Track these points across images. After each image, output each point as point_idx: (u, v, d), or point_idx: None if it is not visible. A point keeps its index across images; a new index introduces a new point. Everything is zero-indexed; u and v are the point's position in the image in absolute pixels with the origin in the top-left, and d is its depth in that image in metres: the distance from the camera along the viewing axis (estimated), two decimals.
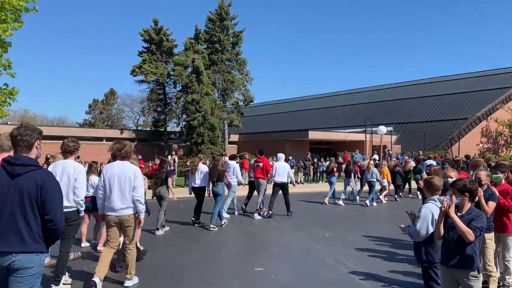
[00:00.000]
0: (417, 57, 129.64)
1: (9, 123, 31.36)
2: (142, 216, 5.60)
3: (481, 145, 36.46)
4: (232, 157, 12.14)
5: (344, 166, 17.83)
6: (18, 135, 3.16)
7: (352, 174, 14.75)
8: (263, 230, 9.87)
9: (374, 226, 10.43)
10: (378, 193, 15.25)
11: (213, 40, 32.68)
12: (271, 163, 12.98)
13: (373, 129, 33.05)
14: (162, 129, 34.30)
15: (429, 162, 15.45)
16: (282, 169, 11.83)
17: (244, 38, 33.54)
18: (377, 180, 14.69)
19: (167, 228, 9.58)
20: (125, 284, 5.57)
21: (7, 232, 3.03)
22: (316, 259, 7.12)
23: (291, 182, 12.56)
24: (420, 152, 25.93)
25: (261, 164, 11.67)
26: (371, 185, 14.37)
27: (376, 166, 15.85)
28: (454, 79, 45.18)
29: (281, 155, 12.38)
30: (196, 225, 10.14)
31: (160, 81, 33.18)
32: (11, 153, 3.57)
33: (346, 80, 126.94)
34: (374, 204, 14.32)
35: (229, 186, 11.09)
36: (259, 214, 11.45)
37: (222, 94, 33.72)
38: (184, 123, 32.38)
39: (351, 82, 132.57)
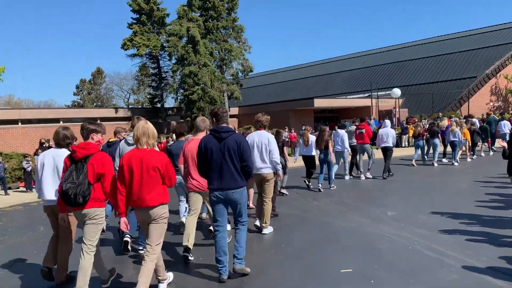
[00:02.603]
0: (420, 17, 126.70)
1: None
2: (280, 172, 6.74)
3: (491, 103, 35.15)
4: (341, 126, 12.48)
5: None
6: (219, 113, 4.85)
7: (439, 135, 15.01)
8: (308, 212, 8.32)
9: (429, 198, 8.98)
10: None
11: (207, 7, 30.50)
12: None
13: (386, 92, 31.46)
14: (159, 106, 32.37)
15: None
16: (386, 134, 12.53)
17: (240, 3, 31.37)
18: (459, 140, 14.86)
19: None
20: (262, 232, 6.74)
21: (224, 176, 4.65)
22: (406, 250, 5.62)
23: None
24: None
25: (363, 131, 12.52)
26: (454, 145, 14.69)
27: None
28: (459, 37, 43.38)
29: (388, 121, 13.34)
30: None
31: (154, 54, 31.06)
32: (204, 133, 5.58)
33: (346, 45, 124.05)
34: (456, 164, 14.55)
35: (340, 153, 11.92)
36: (365, 176, 12.53)
37: (220, 64, 31.81)
38: (182, 97, 30.49)
39: (351, 46, 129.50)
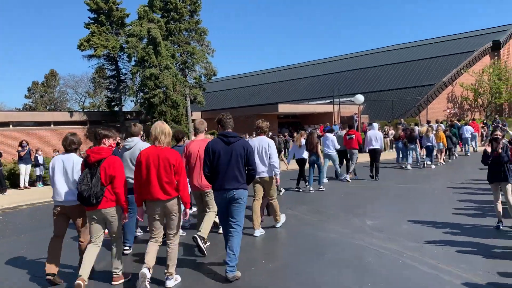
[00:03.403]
0: (380, 25, 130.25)
1: None
2: (278, 177, 7.02)
3: (448, 110, 36.24)
4: (329, 131, 13.18)
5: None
6: (223, 119, 5.17)
7: (417, 140, 15.89)
8: (286, 221, 7.77)
9: (405, 205, 8.72)
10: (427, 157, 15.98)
11: (169, 8, 29.62)
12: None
13: (347, 99, 31.69)
14: (117, 109, 31.00)
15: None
16: (374, 137, 13.25)
17: (204, 6, 30.69)
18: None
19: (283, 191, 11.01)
20: (276, 226, 7.29)
21: (229, 177, 5.01)
22: (398, 265, 5.21)
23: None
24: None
25: (353, 136, 13.02)
26: (429, 149, 15.53)
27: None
28: (417, 45, 44.67)
29: (375, 125, 14.36)
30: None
31: (112, 55, 29.70)
32: (203, 135, 6.41)
33: (309, 51, 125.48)
34: (433, 166, 15.33)
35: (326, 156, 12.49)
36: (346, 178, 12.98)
37: (182, 67, 30.92)
38: (142, 100, 29.32)
39: (314, 53, 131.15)
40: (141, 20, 28.10)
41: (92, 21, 29.63)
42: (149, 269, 4.57)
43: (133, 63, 29.18)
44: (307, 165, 11.47)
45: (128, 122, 31.99)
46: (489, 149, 6.79)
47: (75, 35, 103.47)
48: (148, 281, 4.52)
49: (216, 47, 72.29)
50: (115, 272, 4.89)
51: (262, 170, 6.82)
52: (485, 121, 28.52)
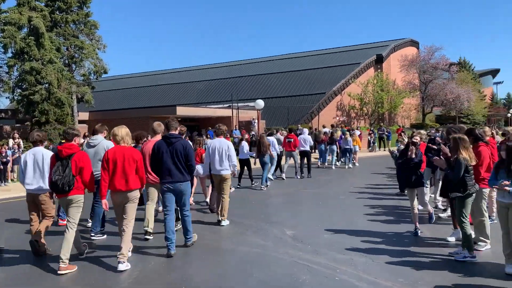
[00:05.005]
0: (275, 33, 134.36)
1: None
2: (235, 170, 7.97)
3: (337, 118, 38.44)
4: (270, 134, 14.62)
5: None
6: (169, 123, 6.16)
7: (336, 142, 17.51)
8: (201, 234, 6.98)
9: (319, 213, 8.55)
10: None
11: None
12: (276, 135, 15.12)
13: (245, 104, 31.71)
14: None
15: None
16: (304, 140, 14.66)
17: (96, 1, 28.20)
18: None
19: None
20: (221, 224, 7.70)
21: (173, 172, 5.91)
22: (335, 283, 4.78)
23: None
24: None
25: (292, 140, 14.16)
26: (347, 151, 17.40)
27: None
28: (312, 55, 46.77)
29: (305, 130, 16.15)
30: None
31: None
32: (159, 136, 6.83)
33: (207, 55, 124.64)
34: (350, 166, 17.41)
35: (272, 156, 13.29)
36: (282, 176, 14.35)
37: (69, 63, 28.02)
38: (20, 98, 25.81)
39: (211, 57, 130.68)
40: (20, 8, 24.77)
41: None
42: (124, 263, 5.34)
43: (10, 55, 25.57)
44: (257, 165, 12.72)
45: (1, 122, 28.06)
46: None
47: None
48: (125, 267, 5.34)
49: (109, 43, 67.89)
50: (62, 260, 5.24)
51: (221, 168, 7.65)
52: (371, 129, 30.68)
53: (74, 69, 28.46)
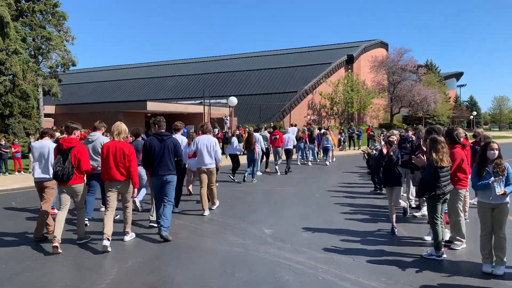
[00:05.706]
0: (249, 29, 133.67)
1: None
2: (219, 164, 9.13)
3: (308, 116, 38.78)
4: (256, 130, 15.80)
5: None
6: (157, 121, 6.86)
7: (315, 140, 18.68)
8: (178, 234, 6.86)
9: (296, 211, 8.58)
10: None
11: None
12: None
13: (217, 100, 31.45)
14: None
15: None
16: (288, 139, 15.70)
17: None
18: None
19: None
20: (212, 207, 8.83)
21: (163, 166, 6.56)
22: (318, 283, 4.78)
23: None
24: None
25: (277, 137, 15.26)
26: (327, 149, 18.23)
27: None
28: (284, 53, 46.92)
29: (290, 129, 18.17)
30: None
31: None
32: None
33: (178, 50, 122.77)
34: (328, 163, 18.07)
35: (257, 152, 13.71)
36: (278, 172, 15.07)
37: (35, 54, 27.06)
38: None
39: (183, 52, 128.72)
40: None
41: None
42: (108, 239, 5.91)
43: None
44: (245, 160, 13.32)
45: None
46: (385, 151, 6.91)
47: None
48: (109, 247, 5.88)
49: (78, 35, 65.79)
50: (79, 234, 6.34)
51: (209, 162, 8.46)
52: (342, 128, 31.11)
53: (40, 60, 27.53)
